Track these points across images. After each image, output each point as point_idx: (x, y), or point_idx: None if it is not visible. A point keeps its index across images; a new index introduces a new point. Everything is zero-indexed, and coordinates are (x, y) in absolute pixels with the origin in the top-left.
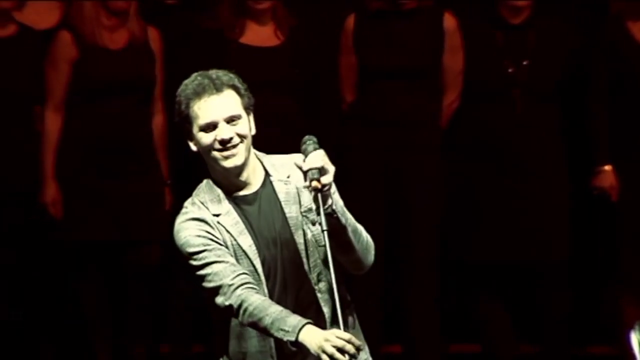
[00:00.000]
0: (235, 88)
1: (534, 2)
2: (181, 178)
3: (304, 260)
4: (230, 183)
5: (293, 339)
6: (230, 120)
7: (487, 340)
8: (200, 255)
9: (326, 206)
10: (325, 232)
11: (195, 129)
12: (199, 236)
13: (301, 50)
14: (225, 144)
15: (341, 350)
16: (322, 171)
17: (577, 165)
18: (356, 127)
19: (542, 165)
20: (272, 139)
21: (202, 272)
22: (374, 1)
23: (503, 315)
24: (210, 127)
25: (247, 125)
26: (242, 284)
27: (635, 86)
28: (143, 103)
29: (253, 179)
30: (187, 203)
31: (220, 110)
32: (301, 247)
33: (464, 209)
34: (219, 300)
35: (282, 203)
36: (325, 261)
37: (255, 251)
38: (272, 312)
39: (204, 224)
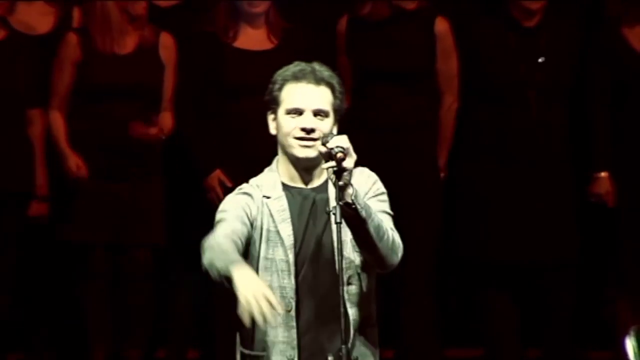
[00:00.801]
0: (332, 87)
1: (546, 4)
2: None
3: (337, 261)
4: (294, 174)
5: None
6: (318, 113)
7: (492, 342)
8: (223, 215)
9: (346, 194)
10: (339, 225)
11: (281, 111)
12: (236, 202)
13: (295, 53)
14: (306, 133)
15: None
16: (346, 152)
17: (576, 169)
18: (351, 131)
19: (556, 167)
20: (271, 142)
21: (215, 227)
22: (366, 4)
23: (510, 317)
24: (297, 112)
25: (330, 126)
26: (222, 234)
27: (631, 92)
28: (148, 108)
29: (317, 179)
30: (244, 184)
31: (311, 100)
32: (336, 249)
33: (477, 209)
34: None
35: (330, 203)
36: (363, 268)
37: (292, 242)
38: (222, 244)
39: (249, 197)
